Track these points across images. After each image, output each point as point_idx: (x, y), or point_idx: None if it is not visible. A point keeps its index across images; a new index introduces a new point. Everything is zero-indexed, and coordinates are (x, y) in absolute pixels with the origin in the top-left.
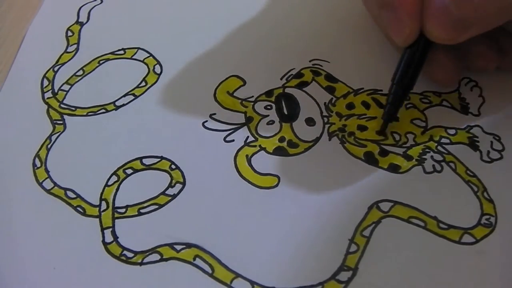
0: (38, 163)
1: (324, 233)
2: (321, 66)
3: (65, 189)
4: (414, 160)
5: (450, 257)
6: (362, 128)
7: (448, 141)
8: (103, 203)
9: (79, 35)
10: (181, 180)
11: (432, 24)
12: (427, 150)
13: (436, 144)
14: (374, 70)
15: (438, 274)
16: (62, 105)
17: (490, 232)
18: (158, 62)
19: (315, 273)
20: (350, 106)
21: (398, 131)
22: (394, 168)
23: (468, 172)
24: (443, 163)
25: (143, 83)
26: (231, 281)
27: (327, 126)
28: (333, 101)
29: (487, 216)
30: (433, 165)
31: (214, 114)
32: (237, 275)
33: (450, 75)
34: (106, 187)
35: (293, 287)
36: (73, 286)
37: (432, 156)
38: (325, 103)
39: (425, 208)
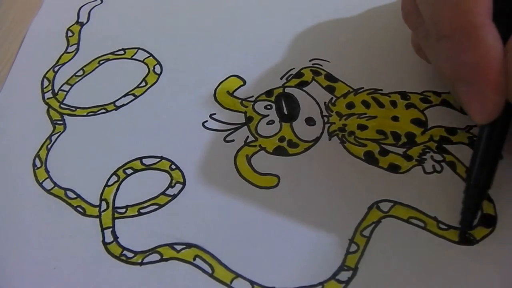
0: (38, 163)
1: (324, 233)
2: (321, 65)
3: (65, 189)
4: (414, 160)
5: (449, 258)
6: (362, 127)
7: (448, 141)
8: (103, 203)
9: (79, 35)
10: (181, 180)
11: None
12: (427, 150)
13: (436, 144)
14: (374, 69)
15: (438, 274)
16: (62, 105)
17: (490, 233)
18: (158, 62)
19: (315, 273)
20: (350, 105)
21: (398, 131)
22: (394, 168)
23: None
24: (443, 163)
25: (143, 83)
26: (231, 281)
27: (327, 125)
28: (333, 101)
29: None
30: (433, 165)
31: (214, 114)
32: (237, 275)
33: None
34: (106, 187)
35: (293, 287)
36: (73, 286)
37: (432, 156)
38: (325, 102)
39: (425, 209)
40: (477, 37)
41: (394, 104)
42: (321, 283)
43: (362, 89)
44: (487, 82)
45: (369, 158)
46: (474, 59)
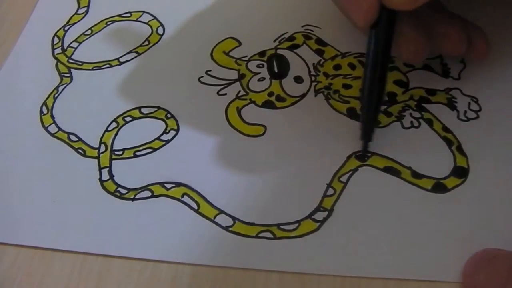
0: (45, 110)
1: (303, 177)
2: (312, 31)
3: (68, 133)
4: (393, 116)
5: (422, 204)
6: (347, 86)
7: (427, 101)
8: (102, 146)
9: None
10: (175, 127)
11: None
12: (406, 107)
13: (415, 103)
14: (362, 37)
15: (411, 219)
16: (70, 60)
17: (462, 183)
18: (161, 24)
19: (292, 212)
20: (337, 67)
21: None
22: None
23: (444, 128)
24: (420, 120)
25: (146, 42)
26: (215, 217)
27: (314, 84)
28: (321, 62)
29: None
30: (411, 121)
31: (210, 70)
32: (220, 211)
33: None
34: (106, 132)
35: (272, 223)
36: (70, 217)
37: (410, 113)
38: (313, 63)
39: (401, 160)
40: None
41: None
42: (298, 221)
43: (349, 53)
44: None
45: (352, 114)
46: None
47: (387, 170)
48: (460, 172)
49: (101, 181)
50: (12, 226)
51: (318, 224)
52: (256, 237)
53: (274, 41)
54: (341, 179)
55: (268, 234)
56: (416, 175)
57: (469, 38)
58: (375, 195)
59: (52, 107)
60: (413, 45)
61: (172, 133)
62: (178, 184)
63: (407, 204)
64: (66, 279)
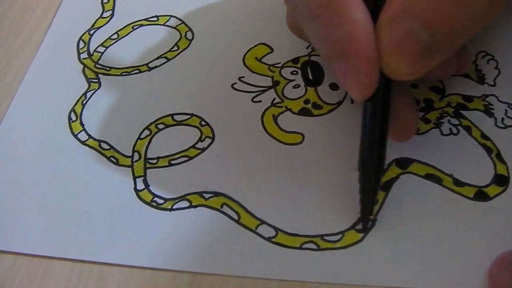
0: (73, 117)
1: (345, 185)
2: None
3: (99, 141)
4: (432, 123)
5: (464, 212)
6: None
7: (464, 107)
8: (136, 154)
9: (114, 2)
10: (211, 135)
11: (393, 55)
12: (444, 114)
13: (453, 110)
14: None
15: (452, 228)
16: (97, 65)
17: (503, 191)
18: (190, 29)
19: (335, 222)
20: None
21: (417, 97)
22: None
23: (483, 136)
24: (459, 127)
25: (175, 48)
26: (256, 227)
27: None
28: None
29: None
30: (450, 128)
31: (243, 77)
32: (262, 222)
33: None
34: (139, 140)
35: (315, 234)
36: (105, 228)
37: (449, 120)
38: None
39: (441, 167)
40: (345, 13)
41: None
42: (342, 232)
43: None
44: (357, 56)
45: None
46: (343, 35)
47: (429, 177)
48: (501, 180)
49: (137, 190)
50: (44, 236)
51: (362, 234)
52: (300, 248)
53: (307, 47)
54: (382, 187)
55: (312, 245)
56: (458, 183)
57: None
58: (417, 204)
59: (81, 113)
60: (402, 124)
61: (208, 141)
62: (216, 194)
63: (450, 213)
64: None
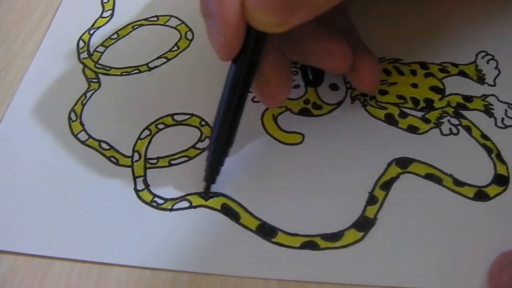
0: (73, 117)
1: (344, 186)
2: None
3: (99, 141)
4: (432, 123)
5: (464, 212)
6: (383, 92)
7: (464, 107)
8: (136, 154)
9: (114, 1)
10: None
11: (255, 6)
12: (444, 114)
13: (453, 110)
14: (395, 40)
15: (452, 227)
16: (97, 65)
17: (503, 191)
18: (190, 29)
19: (335, 221)
20: None
21: (417, 96)
22: (412, 129)
23: (483, 136)
24: (459, 127)
25: (175, 48)
26: (256, 227)
27: (350, 91)
28: None
29: None
30: (450, 128)
31: None
32: (262, 222)
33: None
34: (139, 140)
35: (315, 234)
36: (105, 228)
37: (449, 120)
38: None
39: (441, 167)
40: None
41: (413, 72)
42: (342, 231)
43: (383, 59)
44: (219, 15)
45: (389, 120)
46: None
47: (429, 177)
48: (501, 180)
49: (137, 190)
50: (44, 236)
51: (362, 234)
52: (300, 247)
53: None
54: (382, 187)
55: (312, 245)
56: (458, 182)
57: (355, 63)
58: (417, 203)
59: (81, 113)
60: (272, 90)
61: (208, 141)
62: (216, 194)
63: (450, 213)
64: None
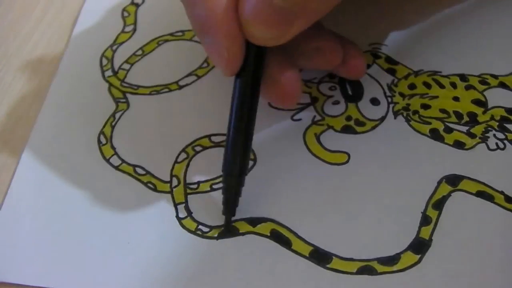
0: (103, 140)
1: (395, 206)
2: (380, 49)
3: (134, 166)
4: (477, 137)
5: None
6: (425, 106)
7: (508, 120)
8: (174, 179)
9: (135, 16)
10: (252, 157)
11: (252, 22)
12: (489, 128)
13: (497, 123)
14: (433, 52)
15: (508, 246)
16: (123, 84)
17: None
18: None
19: (391, 244)
20: (412, 86)
21: (460, 110)
22: (459, 145)
23: None
24: (505, 141)
25: (205, 64)
26: (310, 253)
27: (391, 105)
28: (395, 82)
29: None
30: (496, 143)
31: None
32: (315, 247)
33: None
34: (176, 164)
35: (371, 258)
36: (149, 260)
37: (494, 134)
38: (387, 84)
39: (491, 183)
40: None
41: (454, 85)
42: (398, 254)
43: (422, 71)
44: (218, 31)
45: (435, 135)
46: (204, 10)
47: (480, 195)
48: None
49: (179, 218)
50: (85, 271)
51: (419, 256)
52: (357, 273)
53: None
54: (435, 206)
55: (369, 270)
56: (509, 199)
57: (344, 54)
58: (471, 222)
59: (111, 136)
60: (285, 86)
61: (250, 163)
62: (264, 220)
63: (505, 232)
64: None
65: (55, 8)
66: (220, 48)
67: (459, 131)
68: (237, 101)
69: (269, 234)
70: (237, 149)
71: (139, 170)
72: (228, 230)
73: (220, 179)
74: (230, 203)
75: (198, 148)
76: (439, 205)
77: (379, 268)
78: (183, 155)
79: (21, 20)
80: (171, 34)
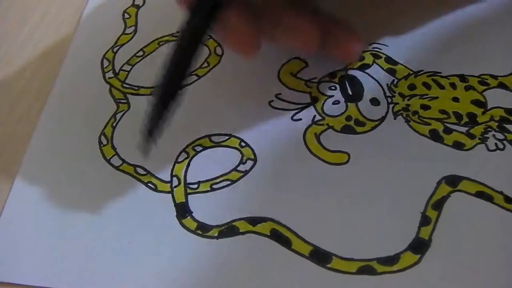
0: (104, 141)
1: (396, 206)
2: (380, 49)
3: (135, 166)
4: (477, 138)
5: None
6: (425, 107)
7: (508, 121)
8: (175, 179)
9: (136, 17)
10: (252, 156)
11: None
12: (489, 129)
13: (497, 124)
14: (432, 52)
15: (508, 246)
16: (124, 85)
17: None
18: (219, 44)
19: (390, 244)
20: (412, 87)
21: (459, 111)
22: (458, 146)
23: None
24: (505, 142)
25: (205, 64)
26: (310, 253)
27: (391, 106)
28: (395, 82)
29: None
30: (496, 143)
31: (280, 94)
32: (315, 247)
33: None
34: (176, 164)
35: (371, 258)
36: (150, 259)
37: (494, 135)
38: (387, 84)
39: (491, 184)
40: None
41: (453, 86)
42: (398, 254)
43: (422, 72)
44: None
45: (434, 136)
46: None
47: (479, 195)
48: None
49: (179, 218)
50: (85, 271)
51: (419, 256)
52: (357, 273)
53: None
54: (434, 206)
55: (369, 269)
56: (508, 200)
57: (330, 36)
58: (471, 223)
59: (112, 137)
60: (240, 36)
61: (250, 163)
62: (264, 219)
63: (505, 232)
64: None
65: (57, 10)
66: None
67: (458, 131)
68: (186, 31)
69: (269, 234)
70: (174, 70)
71: (139, 170)
72: (143, 153)
73: (221, 178)
74: (152, 124)
75: (198, 148)
76: (438, 205)
77: (379, 268)
78: (184, 155)
79: (22, 21)
80: (172, 35)
